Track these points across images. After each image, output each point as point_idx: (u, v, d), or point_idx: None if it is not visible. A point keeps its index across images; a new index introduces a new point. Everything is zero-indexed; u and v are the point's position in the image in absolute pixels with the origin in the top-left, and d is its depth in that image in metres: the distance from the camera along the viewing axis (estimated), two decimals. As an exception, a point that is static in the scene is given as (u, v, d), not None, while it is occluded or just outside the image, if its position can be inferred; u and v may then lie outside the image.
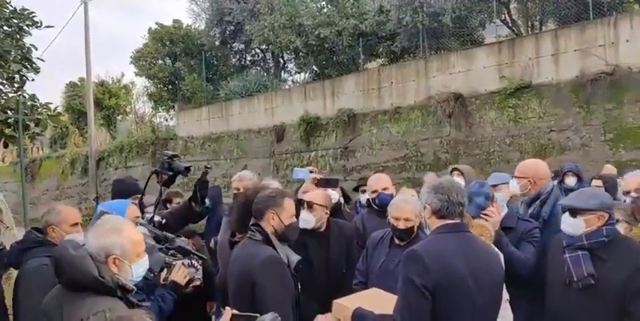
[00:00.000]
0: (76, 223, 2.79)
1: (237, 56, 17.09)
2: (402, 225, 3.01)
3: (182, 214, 3.32)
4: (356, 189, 5.32)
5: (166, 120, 20.14)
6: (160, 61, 18.26)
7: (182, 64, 17.17)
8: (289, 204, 2.71)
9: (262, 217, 2.66)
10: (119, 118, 24.07)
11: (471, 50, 9.66)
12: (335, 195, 3.98)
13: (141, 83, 21.74)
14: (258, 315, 1.66)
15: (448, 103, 9.32)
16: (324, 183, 3.69)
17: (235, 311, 1.76)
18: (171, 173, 3.21)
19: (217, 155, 14.58)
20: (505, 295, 2.58)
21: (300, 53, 13.09)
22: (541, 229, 3.14)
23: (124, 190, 3.87)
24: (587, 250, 2.58)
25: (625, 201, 3.51)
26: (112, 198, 3.71)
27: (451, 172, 4.87)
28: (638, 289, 2.37)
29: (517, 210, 3.44)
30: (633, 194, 3.43)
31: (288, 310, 2.56)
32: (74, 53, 16.86)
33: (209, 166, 3.30)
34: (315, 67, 13.90)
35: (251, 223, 2.69)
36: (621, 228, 2.91)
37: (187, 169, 3.24)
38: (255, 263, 2.51)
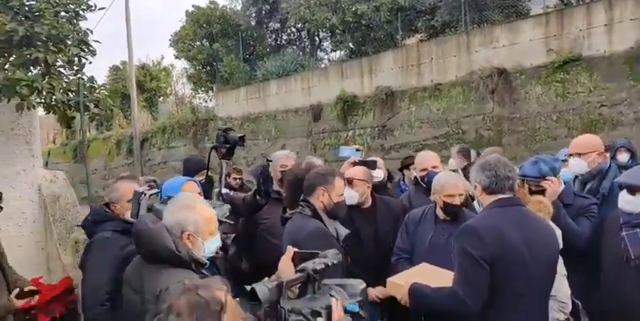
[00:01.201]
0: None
1: (274, 36, 17.07)
2: (457, 201, 3.00)
3: (250, 204, 3.48)
4: (401, 168, 5.22)
5: (205, 101, 20.50)
6: (198, 43, 18.46)
7: (220, 46, 17.31)
8: (340, 182, 2.77)
9: (312, 193, 2.71)
10: (160, 100, 24.63)
11: (516, 23, 9.25)
12: (380, 173, 3.96)
13: (180, 65, 22.16)
14: (319, 252, 1.68)
15: (491, 79, 9.02)
16: (362, 164, 3.67)
17: (297, 249, 1.80)
18: (228, 145, 3.33)
19: (256, 135, 14.74)
20: (562, 270, 2.54)
21: (337, 31, 12.94)
22: (599, 205, 3.04)
23: (190, 167, 4.02)
24: None
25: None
26: (184, 175, 3.86)
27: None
28: None
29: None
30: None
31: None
32: (115, 37, 17.24)
33: (270, 158, 3.39)
34: (351, 45, 13.72)
35: (301, 198, 2.73)
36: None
37: (242, 138, 3.34)
38: (302, 235, 2.55)
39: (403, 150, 10.30)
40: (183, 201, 2.09)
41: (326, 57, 16.10)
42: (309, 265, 1.55)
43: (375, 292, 3.02)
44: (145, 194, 2.56)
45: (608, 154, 3.36)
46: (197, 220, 2.02)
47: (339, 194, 2.75)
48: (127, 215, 2.72)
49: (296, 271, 1.56)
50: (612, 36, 7.82)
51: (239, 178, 5.93)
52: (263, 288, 1.38)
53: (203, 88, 19.68)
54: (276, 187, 3.81)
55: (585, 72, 8.03)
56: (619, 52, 7.72)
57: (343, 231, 2.74)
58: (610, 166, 3.27)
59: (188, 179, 3.01)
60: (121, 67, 23.95)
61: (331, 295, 1.47)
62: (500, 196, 2.37)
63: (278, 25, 16.28)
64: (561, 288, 2.54)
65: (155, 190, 2.67)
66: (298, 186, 2.85)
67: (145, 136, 19.19)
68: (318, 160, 3.92)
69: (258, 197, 3.41)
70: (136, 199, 2.56)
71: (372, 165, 3.85)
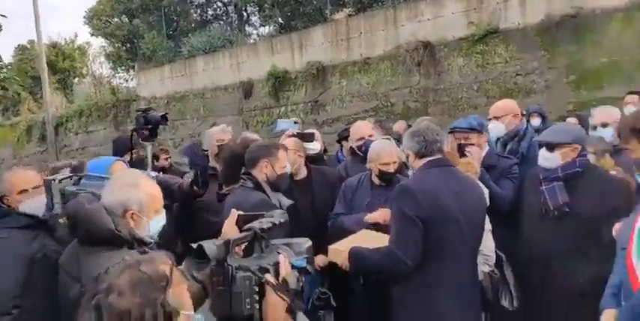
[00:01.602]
0: (25, 190, 2.48)
1: (199, 11, 16.45)
2: (391, 168, 3.12)
3: (186, 193, 3.40)
4: (339, 140, 5.32)
5: (126, 81, 19.49)
6: (117, 19, 17.44)
7: (140, 22, 16.44)
8: (283, 154, 2.82)
9: (255, 165, 2.73)
10: (75, 81, 23.06)
11: (440, -4, 9.55)
12: (317, 145, 4.03)
13: (97, 44, 20.78)
14: (264, 213, 1.70)
15: (417, 52, 9.30)
16: (299, 138, 3.71)
17: (241, 212, 1.80)
18: (150, 126, 3.20)
19: (183, 115, 14.28)
20: (488, 226, 2.75)
21: (265, 5, 12.68)
22: (519, 164, 3.30)
23: (119, 147, 3.83)
24: (562, 180, 2.74)
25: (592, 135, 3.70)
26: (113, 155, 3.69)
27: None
28: (607, 212, 2.56)
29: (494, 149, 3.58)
30: (600, 128, 3.61)
31: None
32: (20, 15, 15.78)
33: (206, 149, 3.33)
34: (280, 20, 13.53)
35: (242, 171, 2.73)
36: (590, 159, 3.08)
37: (164, 117, 3.26)
38: (245, 207, 2.55)
39: (336, 124, 10.45)
40: (125, 179, 1.99)
41: (255, 32, 15.80)
42: (256, 224, 1.56)
43: (317, 261, 3.07)
44: (55, 180, 2.38)
45: (523, 117, 3.66)
46: (141, 198, 1.92)
47: (282, 166, 2.79)
48: (23, 208, 2.45)
49: (242, 231, 1.55)
50: (525, 9, 8.31)
51: (168, 157, 5.79)
52: (211, 245, 1.37)
53: (123, 67, 18.69)
54: (212, 162, 3.77)
55: (502, 43, 8.50)
56: (532, 25, 8.23)
57: (286, 201, 2.79)
58: (527, 128, 3.57)
59: (116, 159, 2.90)
60: (29, 46, 22.10)
61: (278, 253, 1.48)
62: (431, 158, 2.52)
63: (203, 0, 15.67)
64: (486, 243, 2.76)
65: (67, 175, 2.49)
66: (235, 162, 2.87)
67: (59, 121, 17.91)
68: (254, 135, 3.93)
69: (195, 187, 3.33)
70: (47, 188, 2.38)
71: (309, 137, 3.90)
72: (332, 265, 2.90)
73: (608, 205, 2.61)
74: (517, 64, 8.38)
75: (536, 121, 5.83)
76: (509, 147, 3.52)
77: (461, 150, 3.08)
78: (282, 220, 1.65)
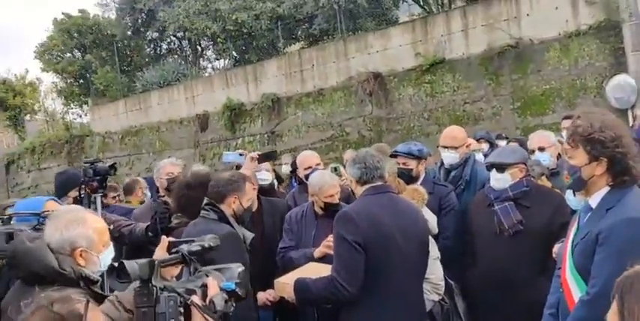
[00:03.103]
0: None
1: (152, 45, 16.38)
2: (336, 199, 3.09)
3: (138, 239, 3.21)
4: (292, 171, 5.28)
5: (80, 116, 18.97)
6: (69, 55, 17.11)
7: (93, 57, 16.19)
8: (250, 187, 2.81)
9: (223, 200, 2.70)
10: (27, 117, 22.30)
11: (387, 30, 9.90)
12: (268, 176, 3.98)
13: (48, 79, 20.30)
14: (195, 238, 1.67)
15: (368, 83, 9.53)
16: (264, 158, 3.64)
17: (172, 239, 1.78)
18: (98, 177, 3.13)
19: (139, 149, 13.99)
20: (435, 253, 2.73)
21: (219, 39, 12.80)
22: (463, 189, 3.36)
23: (64, 182, 3.60)
24: (512, 200, 2.81)
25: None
26: (56, 192, 3.52)
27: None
28: (559, 227, 2.63)
29: (435, 175, 3.62)
30: (537, 153, 3.73)
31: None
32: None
33: (167, 203, 3.23)
34: (234, 53, 13.66)
35: (205, 203, 2.68)
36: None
37: (112, 166, 3.22)
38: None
39: (293, 154, 10.46)
40: (69, 215, 1.90)
41: (210, 65, 15.84)
42: (185, 246, 1.56)
43: (265, 296, 3.00)
44: None
45: (471, 144, 3.76)
46: (89, 233, 1.84)
47: (248, 199, 2.78)
48: None
49: (170, 253, 1.55)
50: (469, 40, 8.70)
51: (117, 196, 5.61)
52: (133, 264, 1.34)
53: (76, 103, 18.22)
54: (162, 194, 3.66)
55: (449, 73, 8.83)
56: (475, 55, 8.60)
57: (249, 234, 2.76)
58: (470, 155, 3.65)
59: (49, 198, 2.75)
60: (-23, 83, 21.36)
61: (207, 276, 1.47)
62: (372, 184, 2.51)
63: (157, 34, 15.65)
64: (435, 271, 2.74)
65: None
66: (186, 196, 2.85)
67: (10, 158, 17.26)
68: (204, 168, 3.85)
69: (150, 233, 3.15)
70: None
71: (273, 156, 3.85)
72: (282, 301, 2.82)
73: (558, 220, 2.68)
74: (464, 93, 8.69)
75: (484, 147, 5.97)
76: (453, 173, 3.56)
77: (399, 175, 3.10)
78: (211, 244, 1.62)
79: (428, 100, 9.05)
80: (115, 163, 3.30)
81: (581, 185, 2.02)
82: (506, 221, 2.81)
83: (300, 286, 2.49)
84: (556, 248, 2.51)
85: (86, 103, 17.19)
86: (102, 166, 3.16)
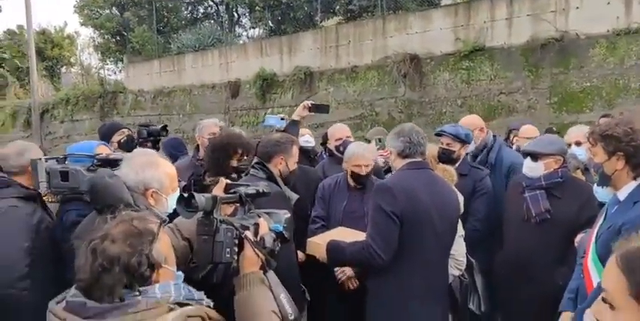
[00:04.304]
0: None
1: (190, 8, 16.41)
2: (363, 171, 3.16)
3: None
4: (323, 143, 5.36)
5: (115, 73, 19.28)
6: (107, 11, 17.28)
7: (131, 15, 16.31)
8: (296, 150, 2.88)
9: (270, 160, 2.79)
10: (63, 69, 22.74)
11: (428, 11, 9.71)
12: (311, 139, 4.10)
13: (86, 34, 20.57)
14: (251, 183, 1.86)
15: (404, 64, 9.43)
16: (315, 108, 3.73)
17: (229, 181, 1.93)
18: (152, 138, 3.40)
19: (169, 110, 14.20)
20: (461, 231, 2.82)
21: (257, 7, 12.74)
22: (489, 173, 3.42)
23: (105, 132, 3.67)
24: (544, 189, 2.87)
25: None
26: (101, 139, 3.60)
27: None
28: (586, 220, 2.69)
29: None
30: (574, 147, 3.75)
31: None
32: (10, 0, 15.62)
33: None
34: (270, 23, 13.59)
35: (255, 161, 2.79)
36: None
37: (164, 128, 3.45)
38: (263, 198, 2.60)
39: (320, 129, 10.48)
40: (144, 158, 2.05)
41: (244, 33, 15.82)
42: (242, 189, 1.70)
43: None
44: (41, 159, 2.45)
45: (489, 130, 3.85)
46: (161, 177, 1.99)
47: (294, 162, 2.86)
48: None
49: (229, 193, 1.70)
50: (512, 29, 8.51)
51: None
52: (200, 197, 1.49)
53: (112, 59, 18.51)
54: (202, 154, 3.78)
55: (488, 61, 8.68)
56: (517, 45, 8.42)
57: (294, 196, 2.85)
58: (495, 140, 3.73)
59: (100, 143, 2.91)
60: (17, 31, 21.75)
61: (259, 217, 1.62)
62: (412, 159, 2.58)
63: (195, -3, 15.67)
64: (458, 247, 2.83)
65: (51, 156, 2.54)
66: (225, 152, 2.90)
67: (45, 108, 17.65)
68: (242, 131, 3.96)
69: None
70: (34, 168, 2.44)
71: (325, 109, 3.96)
72: (310, 259, 2.91)
73: (585, 214, 2.73)
74: (501, 83, 8.56)
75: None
76: (479, 158, 3.67)
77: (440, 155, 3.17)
78: (265, 190, 1.77)
79: (463, 86, 8.94)
80: (167, 126, 3.49)
81: (605, 181, 2.10)
82: (534, 209, 2.87)
83: (334, 248, 2.61)
84: (578, 238, 2.60)
85: (121, 60, 17.43)
86: (154, 128, 3.39)
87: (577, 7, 7.91)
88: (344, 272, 2.97)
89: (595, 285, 2.05)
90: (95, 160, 2.41)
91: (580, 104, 7.88)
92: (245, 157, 2.97)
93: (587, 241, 2.20)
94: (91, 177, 2.14)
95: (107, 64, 19.39)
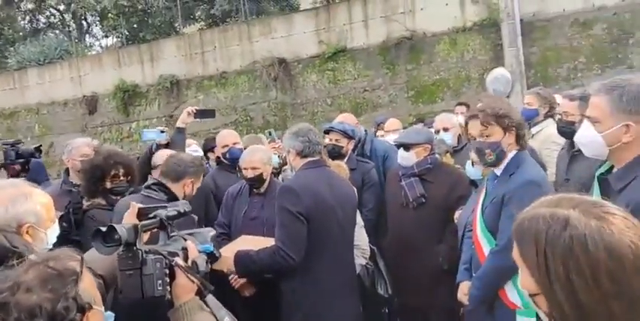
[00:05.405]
0: None
1: (28, 18, 14.74)
2: (250, 174, 3.12)
3: None
4: (205, 152, 5.17)
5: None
6: None
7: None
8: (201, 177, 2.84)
9: (179, 180, 2.64)
10: None
11: (291, 15, 9.99)
12: (198, 149, 3.95)
13: None
14: (166, 205, 1.71)
15: (273, 68, 9.57)
16: (200, 114, 3.55)
17: (141, 205, 1.72)
18: (22, 160, 2.85)
19: (14, 134, 12.59)
20: (360, 222, 2.94)
21: (109, 15, 11.91)
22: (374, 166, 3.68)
23: None
24: (417, 176, 3.09)
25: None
26: None
27: None
28: (456, 199, 3.00)
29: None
30: (441, 133, 4.15)
31: None
32: None
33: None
34: (126, 31, 12.81)
35: (153, 182, 2.61)
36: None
37: (38, 148, 3.05)
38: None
39: (194, 139, 10.17)
40: (12, 190, 1.71)
41: (97, 43, 14.68)
42: (162, 211, 1.57)
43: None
44: None
45: (361, 125, 4.23)
46: (36, 209, 1.68)
47: (197, 187, 2.78)
48: None
49: (148, 218, 1.54)
50: (368, 30, 9.13)
51: None
52: (121, 227, 1.35)
53: None
54: (72, 178, 3.41)
55: (350, 61, 9.20)
56: (374, 45, 9.06)
57: (195, 218, 2.72)
58: (366, 134, 4.05)
59: None
60: None
61: (185, 240, 1.52)
62: (311, 158, 2.63)
63: (33, 6, 14.10)
64: (361, 237, 2.97)
65: None
66: (98, 174, 2.74)
67: None
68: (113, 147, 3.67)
69: (64, 224, 2.88)
70: None
71: (210, 114, 3.78)
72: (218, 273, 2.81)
73: (455, 194, 3.01)
74: (364, 81, 9.13)
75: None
76: (355, 152, 3.92)
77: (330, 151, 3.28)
78: (186, 209, 1.65)
79: (330, 86, 9.35)
80: (41, 145, 3.05)
81: (502, 157, 2.33)
82: (410, 194, 3.09)
83: (241, 257, 2.54)
84: (457, 214, 2.89)
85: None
86: (25, 149, 2.97)
87: (422, 8, 8.76)
88: (237, 281, 2.89)
89: (486, 253, 2.29)
90: None
91: (433, 95, 8.73)
92: (121, 178, 2.80)
93: (473, 216, 2.44)
94: None
95: None
